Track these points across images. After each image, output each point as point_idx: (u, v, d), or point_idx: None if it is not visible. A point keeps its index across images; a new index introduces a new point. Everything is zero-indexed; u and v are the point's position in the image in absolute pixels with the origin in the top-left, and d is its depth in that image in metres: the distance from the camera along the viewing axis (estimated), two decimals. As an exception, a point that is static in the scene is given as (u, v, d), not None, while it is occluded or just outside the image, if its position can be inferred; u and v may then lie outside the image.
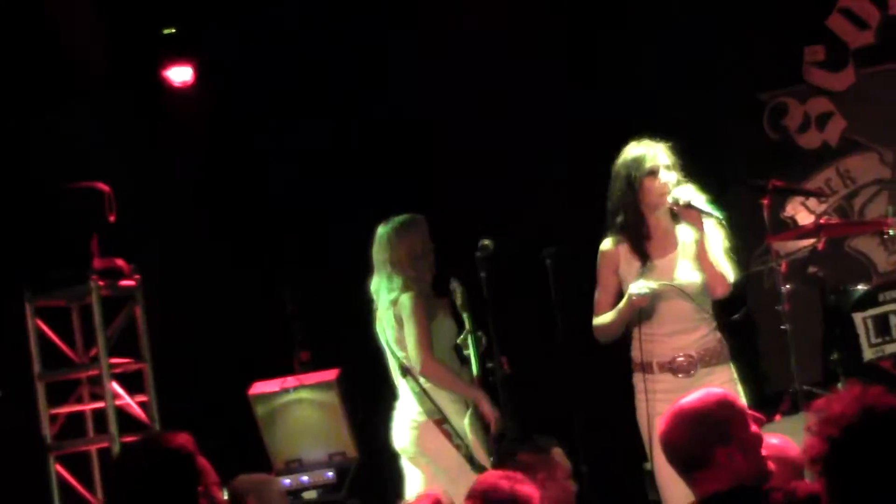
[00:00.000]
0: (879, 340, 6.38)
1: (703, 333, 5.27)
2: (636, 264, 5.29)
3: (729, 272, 5.22)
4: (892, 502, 2.96)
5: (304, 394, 7.22)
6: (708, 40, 8.22)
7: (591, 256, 5.78)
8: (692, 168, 7.36)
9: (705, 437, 3.52)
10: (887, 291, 6.44)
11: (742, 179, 7.49)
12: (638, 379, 5.33)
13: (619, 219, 5.32)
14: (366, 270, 5.83)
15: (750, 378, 5.65)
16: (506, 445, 4.79)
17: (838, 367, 6.48)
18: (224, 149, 8.15)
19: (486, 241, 5.78)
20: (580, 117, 7.83)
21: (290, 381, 7.25)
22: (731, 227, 7.79)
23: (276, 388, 7.24)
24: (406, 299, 5.66)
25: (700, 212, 5.20)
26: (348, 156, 8.10)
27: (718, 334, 5.34)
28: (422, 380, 5.67)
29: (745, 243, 8.12)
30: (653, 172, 5.25)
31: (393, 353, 5.81)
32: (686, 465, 3.61)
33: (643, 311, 5.25)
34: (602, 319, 5.36)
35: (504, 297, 6.07)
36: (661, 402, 5.06)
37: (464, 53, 7.72)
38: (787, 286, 6.88)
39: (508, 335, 6.02)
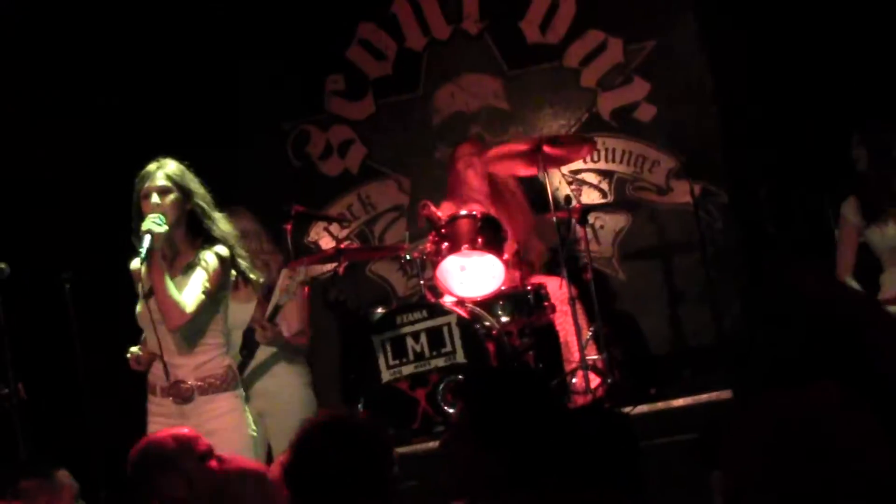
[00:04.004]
0: (397, 362, 6.53)
1: (203, 360, 5.18)
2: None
3: (188, 302, 5.09)
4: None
5: None
6: (230, 68, 8.23)
7: (111, 278, 5.61)
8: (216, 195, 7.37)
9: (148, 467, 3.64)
10: (404, 314, 6.61)
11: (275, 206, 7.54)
12: (148, 401, 5.25)
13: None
14: None
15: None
16: (6, 473, 4.56)
17: (357, 388, 6.59)
18: None
19: (1, 265, 5.59)
20: (100, 137, 7.62)
21: None
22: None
23: None
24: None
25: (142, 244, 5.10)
26: None
27: (227, 361, 5.27)
28: None
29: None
30: (146, 196, 5.16)
31: None
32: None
33: (148, 333, 5.17)
34: None
35: (21, 321, 5.85)
36: (161, 426, 4.99)
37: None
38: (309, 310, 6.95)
39: (25, 360, 5.82)
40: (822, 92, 7.04)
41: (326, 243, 8.24)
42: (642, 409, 6.28)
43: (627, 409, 6.20)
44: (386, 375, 6.55)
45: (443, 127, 8.32)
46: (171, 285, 5.07)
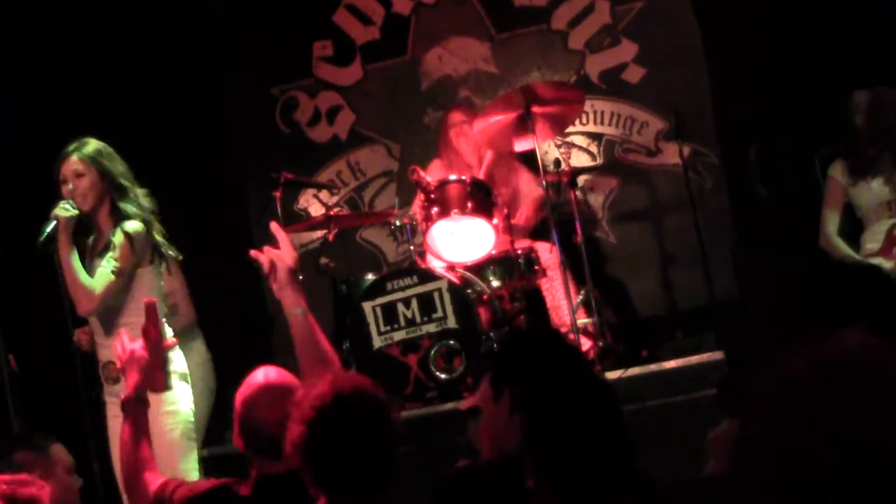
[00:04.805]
0: (388, 328, 6.52)
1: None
2: None
3: (96, 286, 4.96)
4: (359, 477, 3.15)
5: None
6: (217, 34, 8.18)
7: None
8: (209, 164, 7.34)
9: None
10: (394, 280, 6.59)
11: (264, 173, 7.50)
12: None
13: None
14: None
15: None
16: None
17: (350, 356, 6.59)
18: None
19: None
20: (90, 112, 7.57)
21: None
22: (244, 221, 7.88)
23: None
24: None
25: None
26: None
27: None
28: None
29: (260, 236, 8.22)
30: (62, 180, 5.09)
31: None
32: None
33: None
34: None
35: (10, 295, 5.85)
36: (111, 405, 5.06)
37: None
38: (300, 277, 6.93)
39: (16, 333, 5.81)
40: (812, 52, 7.01)
41: (316, 210, 8.23)
42: (634, 371, 6.29)
43: (619, 372, 6.22)
44: (377, 342, 6.55)
45: (431, 91, 8.29)
46: (77, 270, 4.96)
